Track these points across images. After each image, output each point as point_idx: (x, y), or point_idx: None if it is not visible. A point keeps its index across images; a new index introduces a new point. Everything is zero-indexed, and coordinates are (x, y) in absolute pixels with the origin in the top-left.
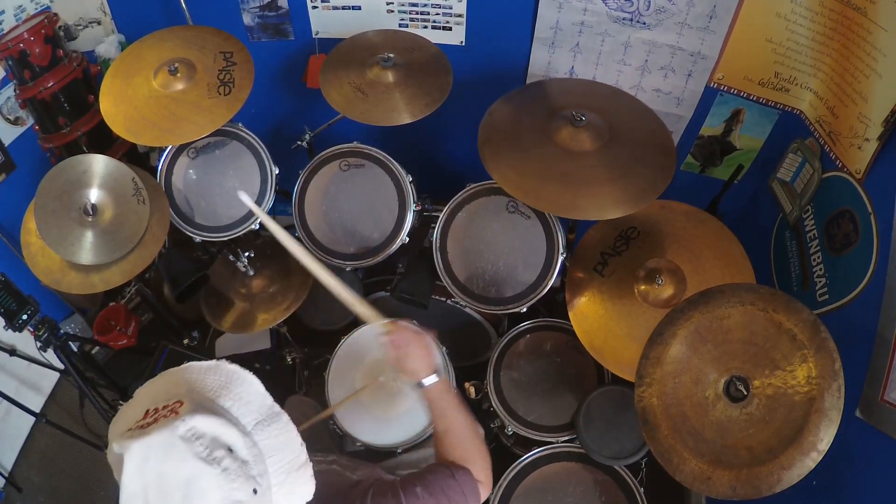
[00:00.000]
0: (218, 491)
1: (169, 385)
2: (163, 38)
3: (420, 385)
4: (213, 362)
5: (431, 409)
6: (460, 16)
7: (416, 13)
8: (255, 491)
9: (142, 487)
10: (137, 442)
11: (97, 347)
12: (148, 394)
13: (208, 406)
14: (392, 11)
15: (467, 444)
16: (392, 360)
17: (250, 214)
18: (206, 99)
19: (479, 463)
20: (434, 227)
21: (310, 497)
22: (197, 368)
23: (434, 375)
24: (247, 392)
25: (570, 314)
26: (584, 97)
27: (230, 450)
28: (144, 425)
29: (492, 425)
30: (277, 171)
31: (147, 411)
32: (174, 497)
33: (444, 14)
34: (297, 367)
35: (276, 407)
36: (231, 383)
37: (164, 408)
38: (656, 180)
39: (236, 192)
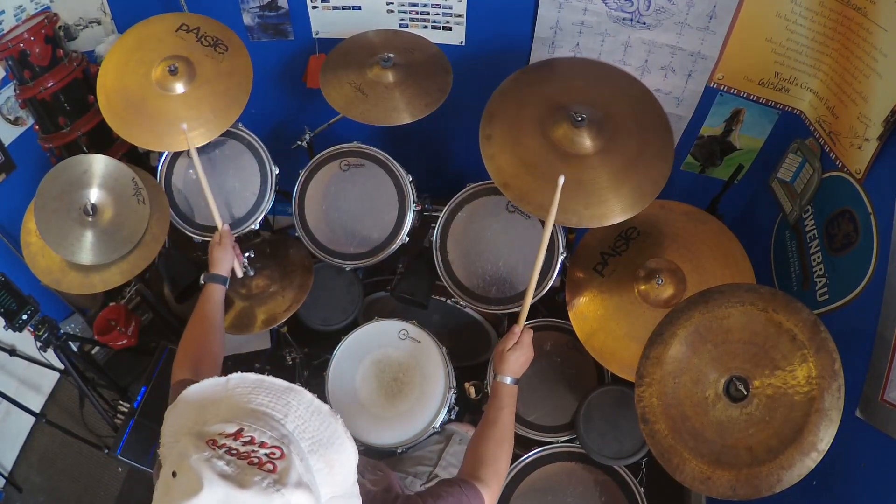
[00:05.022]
0: None
1: (273, 401)
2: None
3: (502, 378)
4: (326, 407)
5: (493, 398)
6: (460, 16)
7: (416, 13)
8: None
9: None
10: (229, 488)
11: (97, 347)
12: (244, 404)
13: (303, 473)
14: (392, 11)
15: (502, 443)
16: (503, 348)
17: (250, 214)
18: (209, 104)
19: (499, 465)
20: (434, 227)
21: None
22: (307, 402)
23: (513, 380)
24: (340, 462)
25: (570, 314)
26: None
27: None
28: (239, 459)
29: None
30: (277, 171)
31: (240, 430)
32: None
33: (444, 14)
34: (297, 367)
35: (357, 487)
36: (332, 445)
37: (261, 446)
38: (657, 176)
39: (238, 193)
